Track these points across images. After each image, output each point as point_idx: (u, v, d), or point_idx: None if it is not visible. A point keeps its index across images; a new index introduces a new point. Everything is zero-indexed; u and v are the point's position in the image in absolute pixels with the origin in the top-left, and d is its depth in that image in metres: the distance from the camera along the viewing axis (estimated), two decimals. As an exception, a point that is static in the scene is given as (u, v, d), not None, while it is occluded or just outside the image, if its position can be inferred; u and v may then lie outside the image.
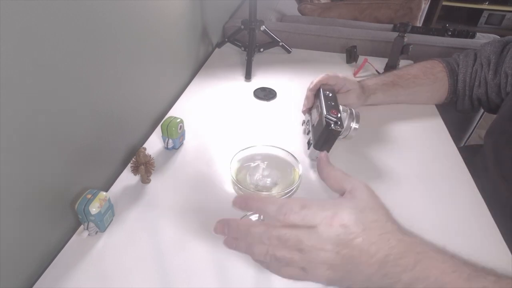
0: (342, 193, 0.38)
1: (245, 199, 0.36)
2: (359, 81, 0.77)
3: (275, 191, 0.42)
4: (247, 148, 0.46)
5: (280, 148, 0.46)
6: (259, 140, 0.72)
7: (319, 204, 0.34)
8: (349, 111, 0.66)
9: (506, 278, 0.32)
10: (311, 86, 0.71)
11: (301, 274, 0.34)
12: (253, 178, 0.44)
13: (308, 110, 0.73)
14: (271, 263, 0.35)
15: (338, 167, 0.39)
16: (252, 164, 0.46)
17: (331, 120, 0.58)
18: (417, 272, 0.31)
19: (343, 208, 0.34)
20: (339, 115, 0.60)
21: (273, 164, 0.46)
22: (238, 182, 0.41)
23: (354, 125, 0.65)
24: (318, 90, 0.69)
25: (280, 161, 0.46)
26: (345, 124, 0.65)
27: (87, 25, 0.49)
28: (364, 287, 0.33)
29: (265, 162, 0.46)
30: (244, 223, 0.35)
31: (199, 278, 0.45)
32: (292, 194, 0.42)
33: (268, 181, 0.44)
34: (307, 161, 0.66)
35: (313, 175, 0.62)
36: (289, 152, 0.45)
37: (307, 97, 0.72)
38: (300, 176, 0.42)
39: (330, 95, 0.66)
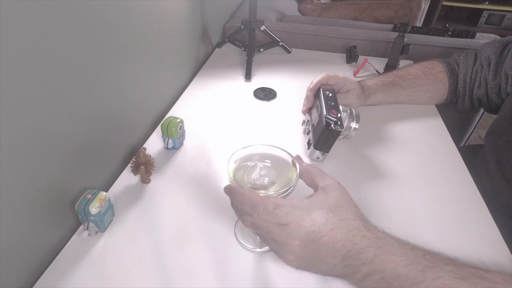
0: (315, 189, 0.42)
1: (231, 190, 0.40)
2: (359, 81, 0.77)
3: (272, 190, 0.43)
4: (245, 147, 0.46)
5: (278, 147, 0.46)
6: (259, 140, 0.72)
7: (292, 204, 0.38)
8: (349, 111, 0.66)
9: (466, 267, 0.35)
10: (311, 86, 0.71)
11: (275, 249, 0.40)
12: (250, 177, 0.44)
13: (308, 110, 0.73)
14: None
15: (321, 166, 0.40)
16: (250, 164, 0.46)
17: (331, 120, 0.58)
18: (374, 265, 0.35)
19: (315, 208, 0.38)
20: (339, 115, 0.60)
21: (271, 163, 0.46)
22: (235, 182, 0.41)
23: (354, 125, 0.66)
24: (318, 90, 0.69)
25: (278, 160, 0.46)
26: (345, 124, 0.65)
27: (87, 25, 0.49)
28: (328, 274, 0.39)
29: (263, 162, 0.46)
30: (242, 194, 0.39)
31: (199, 278, 0.45)
32: (290, 193, 0.42)
33: (266, 180, 0.44)
34: (307, 161, 0.66)
35: (313, 175, 0.62)
36: (286, 151, 0.45)
37: (307, 97, 0.72)
38: (297, 174, 0.42)
39: (330, 95, 0.66)
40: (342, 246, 0.36)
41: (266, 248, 0.49)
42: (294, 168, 0.44)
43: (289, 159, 0.45)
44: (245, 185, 0.43)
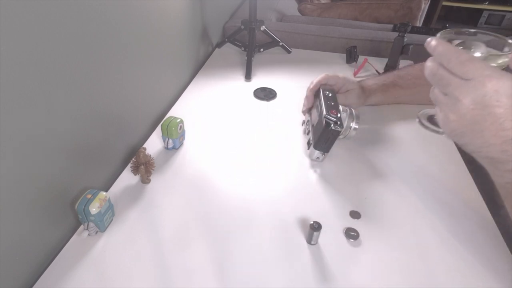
0: None
1: (436, 40, 0.37)
2: (359, 81, 0.77)
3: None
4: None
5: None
6: (259, 140, 0.72)
7: (486, 64, 0.34)
8: (348, 111, 0.66)
9: None
10: (311, 86, 0.71)
11: (443, 100, 0.37)
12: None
13: (308, 110, 0.73)
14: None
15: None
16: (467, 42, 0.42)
17: (331, 120, 0.58)
18: None
19: (505, 77, 0.33)
20: (339, 115, 0.60)
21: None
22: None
23: (354, 125, 0.66)
24: (318, 90, 0.69)
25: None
26: (345, 124, 0.65)
27: (87, 25, 0.49)
28: (478, 151, 0.35)
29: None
30: (443, 44, 0.37)
31: (199, 278, 0.45)
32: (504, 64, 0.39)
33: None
34: (307, 161, 0.66)
35: (313, 175, 0.62)
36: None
37: (307, 97, 0.72)
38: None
39: (330, 95, 0.66)
40: (511, 128, 0.32)
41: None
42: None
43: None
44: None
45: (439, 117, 0.38)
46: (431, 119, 0.49)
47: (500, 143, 0.33)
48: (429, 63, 0.38)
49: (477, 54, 0.40)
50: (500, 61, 0.39)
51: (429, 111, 0.50)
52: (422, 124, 0.49)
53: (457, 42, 0.43)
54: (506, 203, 0.38)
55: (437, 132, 0.47)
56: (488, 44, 0.41)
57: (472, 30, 0.43)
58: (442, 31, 0.42)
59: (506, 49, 0.40)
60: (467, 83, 0.34)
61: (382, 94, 0.79)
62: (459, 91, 0.34)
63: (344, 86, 0.73)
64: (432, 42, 0.37)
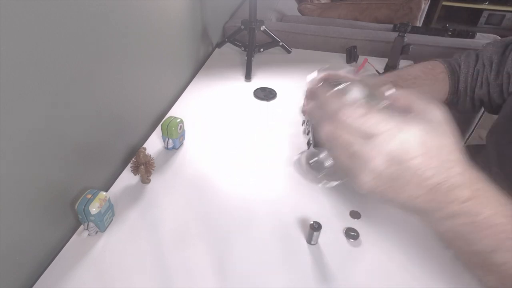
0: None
1: (317, 89, 0.35)
2: (359, 81, 0.77)
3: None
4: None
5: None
6: (259, 140, 0.71)
7: (386, 116, 0.32)
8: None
9: None
10: (310, 86, 0.70)
11: (348, 168, 0.33)
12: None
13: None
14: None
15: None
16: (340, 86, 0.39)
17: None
18: (467, 207, 0.30)
19: (411, 125, 0.31)
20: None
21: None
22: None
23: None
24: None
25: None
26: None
27: (87, 25, 0.49)
28: (405, 205, 0.33)
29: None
30: (327, 95, 0.34)
31: (199, 278, 0.45)
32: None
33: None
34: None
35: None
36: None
37: (306, 97, 0.72)
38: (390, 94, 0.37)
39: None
40: (432, 176, 0.30)
41: (333, 183, 0.44)
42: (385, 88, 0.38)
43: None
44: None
45: (352, 178, 0.33)
46: (315, 163, 0.44)
47: (425, 192, 0.31)
48: (327, 127, 0.34)
49: (355, 95, 0.37)
50: (379, 103, 0.36)
51: (315, 152, 0.45)
52: (300, 166, 0.44)
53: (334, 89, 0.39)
54: (453, 249, 0.35)
55: (316, 178, 0.42)
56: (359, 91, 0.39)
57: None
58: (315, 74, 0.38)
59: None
60: (373, 139, 0.31)
61: (382, 94, 0.79)
62: (366, 149, 0.31)
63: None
64: (310, 89, 0.35)
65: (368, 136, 0.31)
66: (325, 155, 0.42)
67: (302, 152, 0.46)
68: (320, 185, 0.39)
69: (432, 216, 0.32)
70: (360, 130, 0.31)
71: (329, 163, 0.41)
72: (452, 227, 0.31)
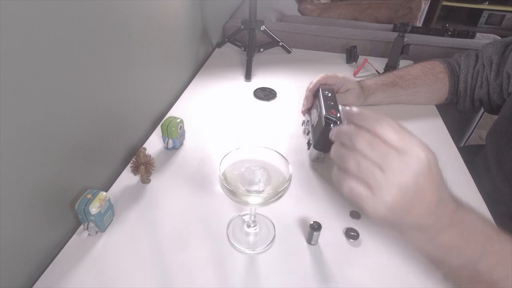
0: None
1: (350, 111, 0.37)
2: (358, 81, 0.77)
3: (265, 192, 0.42)
4: (236, 149, 0.46)
5: (269, 149, 0.46)
6: (259, 140, 0.71)
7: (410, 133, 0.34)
8: (348, 111, 0.66)
9: None
10: (310, 87, 0.71)
11: (365, 194, 0.33)
12: (244, 181, 0.44)
13: (307, 111, 0.73)
14: (348, 171, 0.35)
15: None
16: (242, 169, 0.45)
17: (331, 120, 0.58)
18: (456, 216, 0.36)
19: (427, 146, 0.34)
20: (338, 115, 0.60)
21: (263, 165, 0.45)
22: (227, 184, 0.41)
23: (353, 125, 0.65)
24: (317, 90, 0.69)
25: (270, 162, 0.46)
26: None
27: (87, 25, 0.49)
28: (413, 222, 0.34)
29: (256, 164, 0.45)
30: (361, 112, 0.36)
31: (199, 278, 0.45)
32: (283, 194, 0.42)
33: (258, 181, 0.44)
34: (307, 161, 0.66)
35: (312, 175, 0.62)
36: (278, 152, 0.45)
37: (306, 98, 0.72)
38: (290, 175, 0.42)
39: (329, 95, 0.66)
40: (441, 193, 0.35)
41: (258, 249, 0.49)
42: (286, 169, 0.43)
43: (281, 160, 0.45)
44: (238, 188, 0.43)
45: (371, 200, 0.33)
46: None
47: (436, 202, 0.34)
48: (362, 136, 0.34)
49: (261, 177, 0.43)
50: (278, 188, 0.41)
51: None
52: (230, 242, 0.50)
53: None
54: (444, 267, 0.39)
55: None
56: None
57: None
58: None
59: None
60: (405, 155, 0.32)
61: (381, 94, 0.79)
62: (400, 164, 0.32)
63: (344, 85, 0.73)
64: (353, 109, 0.37)
65: (401, 151, 0.32)
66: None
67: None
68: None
69: (431, 230, 0.35)
70: (396, 143, 0.32)
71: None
72: (445, 240, 0.35)
